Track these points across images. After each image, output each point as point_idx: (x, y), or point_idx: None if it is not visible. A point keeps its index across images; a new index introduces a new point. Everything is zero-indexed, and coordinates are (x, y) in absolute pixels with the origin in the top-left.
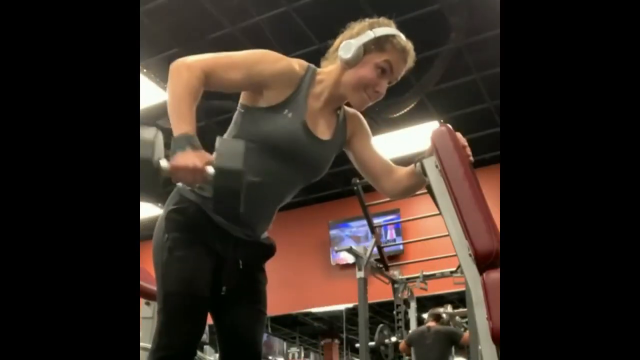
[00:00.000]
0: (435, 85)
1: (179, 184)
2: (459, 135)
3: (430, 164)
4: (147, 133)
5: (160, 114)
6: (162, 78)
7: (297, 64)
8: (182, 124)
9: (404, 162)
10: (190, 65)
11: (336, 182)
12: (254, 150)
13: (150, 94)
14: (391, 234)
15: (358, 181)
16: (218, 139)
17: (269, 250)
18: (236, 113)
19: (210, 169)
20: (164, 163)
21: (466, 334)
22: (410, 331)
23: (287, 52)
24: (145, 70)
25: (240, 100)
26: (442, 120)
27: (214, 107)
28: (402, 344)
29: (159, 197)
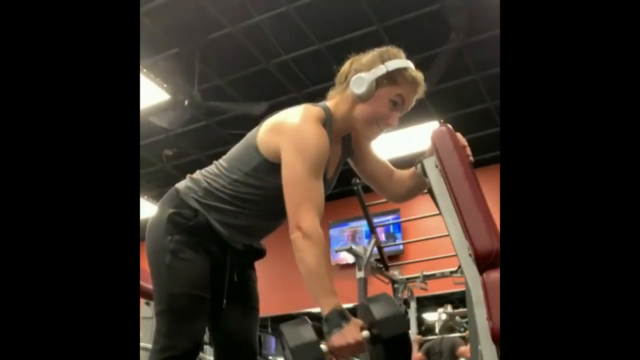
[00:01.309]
0: (435, 85)
1: (180, 188)
2: (459, 135)
3: (430, 164)
4: (306, 334)
5: (160, 114)
6: (162, 78)
7: (321, 121)
8: (329, 299)
9: (404, 162)
10: (307, 232)
11: (336, 182)
12: (273, 197)
13: (150, 94)
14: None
15: (358, 181)
16: (370, 305)
17: (260, 253)
18: (259, 161)
19: (366, 333)
20: (324, 347)
21: (462, 348)
22: (409, 332)
23: (287, 52)
24: (145, 70)
25: (266, 154)
26: (442, 120)
27: (214, 107)
28: (420, 354)
29: None
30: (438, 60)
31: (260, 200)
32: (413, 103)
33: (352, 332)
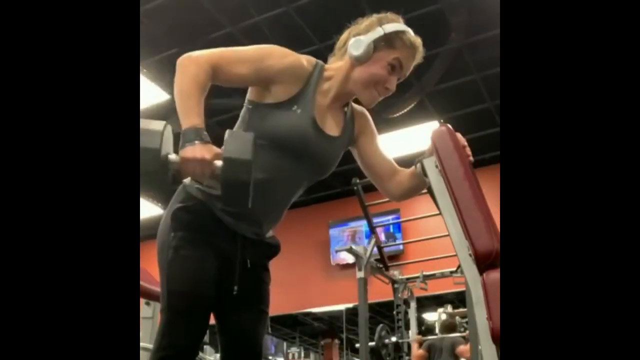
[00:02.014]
0: (435, 85)
1: (186, 181)
2: (459, 135)
3: (430, 164)
4: (154, 124)
5: (160, 114)
6: (162, 78)
7: (305, 60)
8: (191, 117)
9: (404, 162)
10: (197, 59)
11: (336, 182)
12: (263, 147)
13: (150, 94)
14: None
15: (358, 181)
16: (227, 132)
17: (274, 250)
18: (243, 109)
19: (219, 162)
20: (172, 156)
21: (461, 347)
22: (410, 332)
23: None
24: (145, 70)
25: (248, 96)
26: (442, 120)
27: (215, 106)
28: (422, 351)
29: (163, 192)
30: (438, 60)
31: (261, 164)
32: (411, 68)
33: (203, 150)
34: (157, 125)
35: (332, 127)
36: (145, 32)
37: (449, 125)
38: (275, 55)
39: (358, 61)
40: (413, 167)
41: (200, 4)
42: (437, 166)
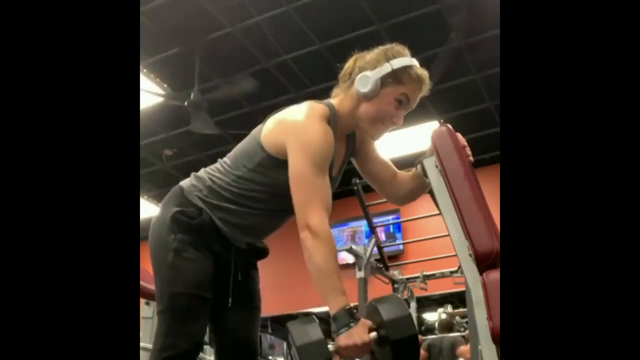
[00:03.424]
0: (435, 85)
1: (184, 185)
2: (458, 135)
3: (430, 164)
4: (312, 331)
5: (160, 114)
6: (162, 78)
7: (326, 119)
8: (337, 298)
9: (404, 162)
10: (316, 230)
11: None
12: (276, 195)
13: (150, 94)
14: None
15: (358, 181)
16: (379, 305)
17: (262, 252)
18: (263, 156)
19: (374, 334)
20: (330, 347)
21: (462, 347)
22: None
23: (287, 52)
24: (145, 70)
25: (270, 150)
26: (442, 120)
27: (215, 105)
28: (422, 352)
29: None
30: (438, 60)
31: (265, 198)
32: (417, 101)
33: (360, 333)
34: (316, 333)
35: (339, 163)
36: (145, 32)
37: (449, 125)
38: (319, 146)
39: (365, 98)
40: (414, 168)
41: (200, 4)
42: (437, 166)
